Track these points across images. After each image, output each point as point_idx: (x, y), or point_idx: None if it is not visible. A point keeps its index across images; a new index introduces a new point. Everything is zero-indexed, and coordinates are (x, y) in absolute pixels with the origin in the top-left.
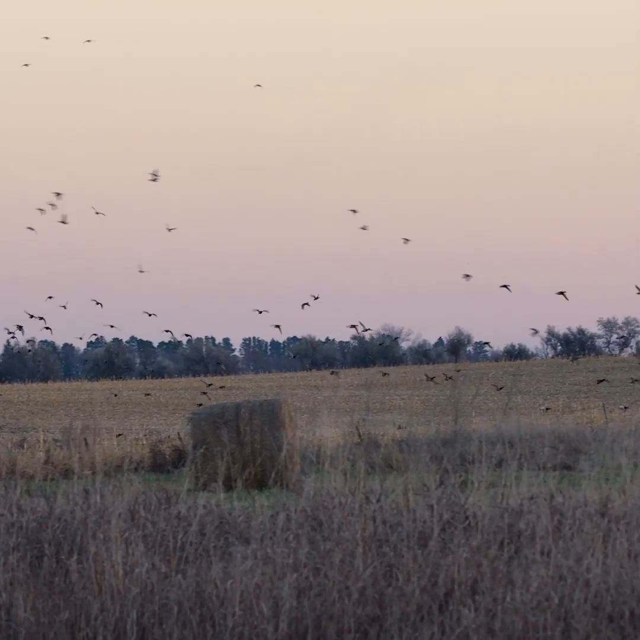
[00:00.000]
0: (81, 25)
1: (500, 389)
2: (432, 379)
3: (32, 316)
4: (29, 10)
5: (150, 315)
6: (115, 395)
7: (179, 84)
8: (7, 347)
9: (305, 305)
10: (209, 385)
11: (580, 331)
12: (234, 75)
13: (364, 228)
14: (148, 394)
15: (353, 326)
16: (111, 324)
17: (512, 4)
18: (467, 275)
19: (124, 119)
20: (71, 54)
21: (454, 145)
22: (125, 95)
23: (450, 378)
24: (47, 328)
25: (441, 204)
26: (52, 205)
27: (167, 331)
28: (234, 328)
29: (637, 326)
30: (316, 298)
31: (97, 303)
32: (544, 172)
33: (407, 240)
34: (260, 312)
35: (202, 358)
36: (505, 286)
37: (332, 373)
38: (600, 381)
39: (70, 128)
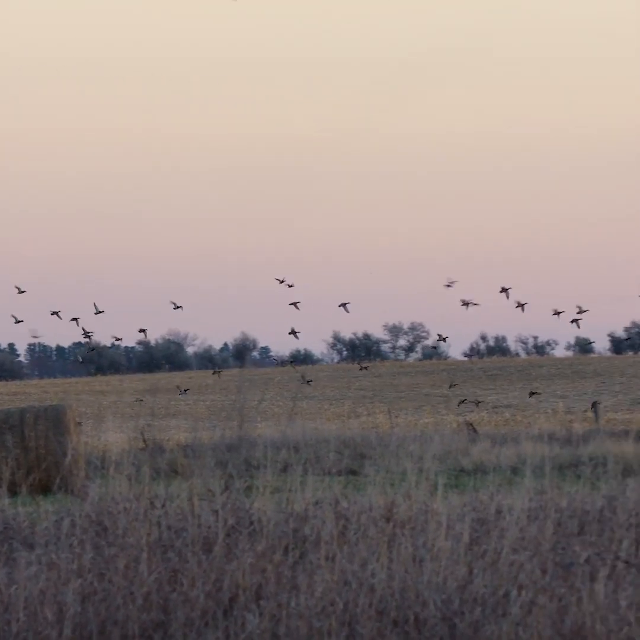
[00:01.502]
0: (81, 24)
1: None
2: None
3: None
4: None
5: None
6: None
7: (177, 85)
8: None
9: (99, 313)
10: None
11: (366, 336)
12: (233, 75)
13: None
14: None
15: (142, 331)
16: None
17: (512, 4)
18: (449, 284)
19: (120, 121)
20: (71, 55)
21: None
22: (122, 96)
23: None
24: None
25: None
26: None
27: None
28: (19, 333)
29: (423, 331)
30: (99, 312)
31: None
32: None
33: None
34: (54, 314)
35: None
36: (294, 304)
37: (214, 373)
38: (532, 394)
39: (69, 128)
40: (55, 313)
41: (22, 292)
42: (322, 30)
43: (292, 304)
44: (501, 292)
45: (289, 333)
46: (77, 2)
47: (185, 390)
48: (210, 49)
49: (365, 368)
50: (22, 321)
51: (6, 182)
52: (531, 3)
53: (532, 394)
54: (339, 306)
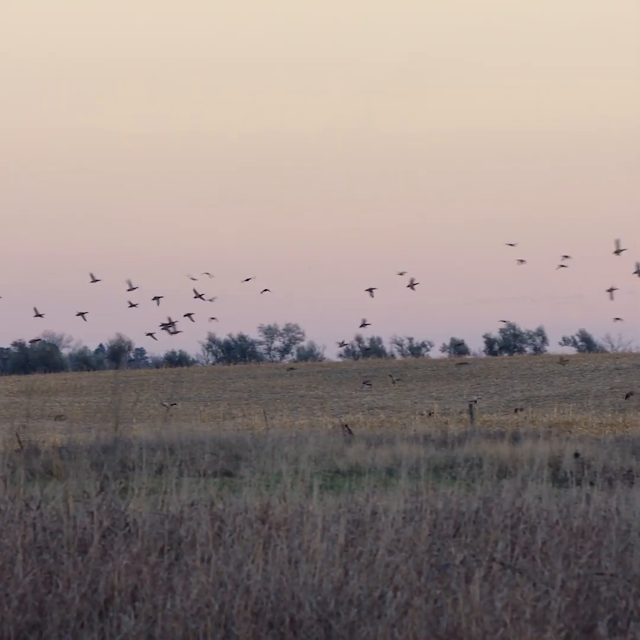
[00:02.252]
0: (80, 25)
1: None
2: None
3: None
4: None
5: None
6: None
7: (177, 85)
8: None
9: None
10: None
11: (242, 337)
12: (231, 76)
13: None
14: None
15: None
16: None
17: (511, 5)
18: (521, 261)
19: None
20: (70, 55)
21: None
22: (120, 97)
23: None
24: None
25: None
26: None
27: None
28: None
29: (298, 333)
30: None
31: None
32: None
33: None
34: None
35: None
36: (170, 323)
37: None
38: (628, 395)
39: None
40: None
41: None
42: (322, 31)
43: (155, 298)
44: (367, 290)
45: (161, 327)
46: (77, 2)
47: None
48: (211, 50)
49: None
50: None
51: None
52: (530, 4)
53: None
54: (210, 320)
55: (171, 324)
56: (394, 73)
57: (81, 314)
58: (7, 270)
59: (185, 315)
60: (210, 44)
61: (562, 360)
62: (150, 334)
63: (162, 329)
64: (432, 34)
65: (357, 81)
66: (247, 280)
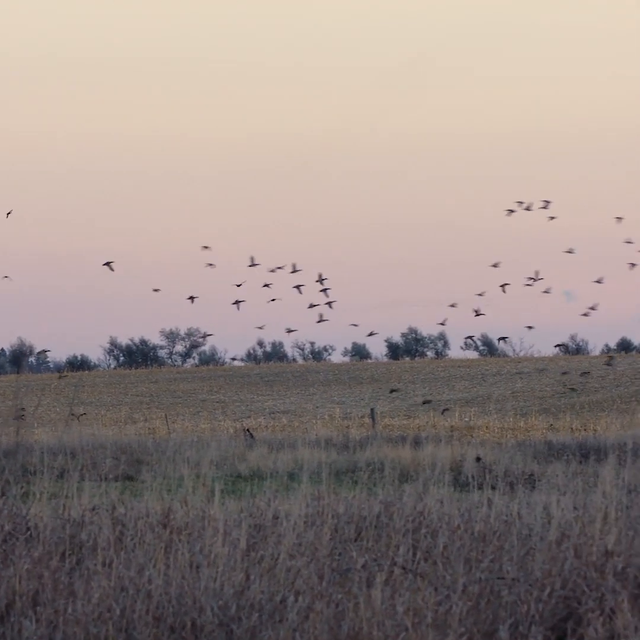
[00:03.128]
0: (80, 25)
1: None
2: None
3: None
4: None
5: None
6: None
7: (172, 87)
8: None
9: None
10: None
11: (143, 342)
12: (231, 78)
13: None
14: None
15: None
16: None
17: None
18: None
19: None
20: (69, 55)
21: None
22: (118, 98)
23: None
24: None
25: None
26: None
27: None
28: None
29: (200, 337)
30: None
31: None
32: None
33: None
34: None
35: None
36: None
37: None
38: (572, 389)
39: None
40: None
41: None
42: (323, 33)
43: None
44: (234, 303)
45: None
46: (76, 3)
47: None
48: (211, 51)
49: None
50: None
51: None
52: (530, 4)
53: (393, 391)
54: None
55: None
56: (392, 75)
57: None
58: None
59: None
60: (209, 45)
61: (608, 360)
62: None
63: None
64: (429, 37)
65: (357, 82)
66: (156, 291)
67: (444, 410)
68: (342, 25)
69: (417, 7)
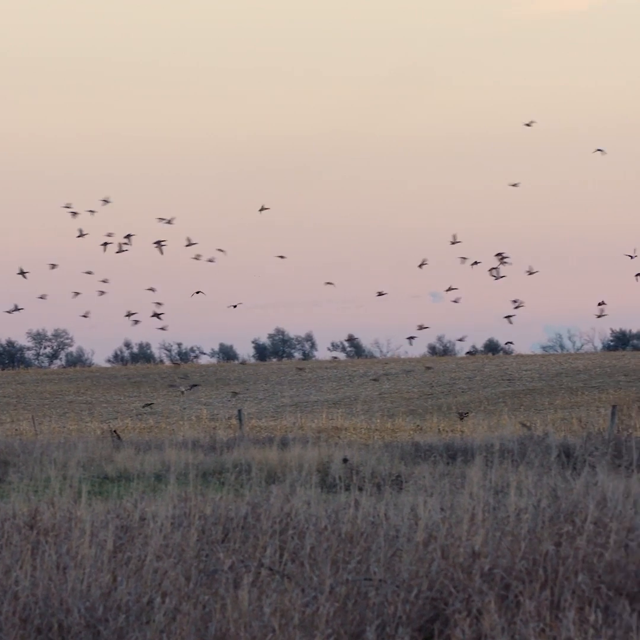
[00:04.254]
0: (79, 24)
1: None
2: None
3: None
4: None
5: None
6: None
7: (171, 90)
8: None
9: None
10: None
11: (10, 343)
12: (231, 78)
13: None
14: None
15: None
16: None
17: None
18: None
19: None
20: (71, 54)
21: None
22: (118, 97)
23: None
24: None
25: None
26: None
27: None
28: None
29: (67, 338)
30: None
31: None
32: None
33: None
34: None
35: None
36: None
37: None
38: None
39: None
40: None
41: None
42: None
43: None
44: (148, 290)
45: None
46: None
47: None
48: (210, 53)
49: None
50: None
51: None
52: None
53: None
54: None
55: None
56: (395, 72)
57: None
58: None
59: None
60: (208, 48)
61: (299, 368)
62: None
63: None
64: (424, 42)
65: (355, 84)
66: (16, 310)
67: (462, 414)
68: (338, 32)
69: (414, 16)
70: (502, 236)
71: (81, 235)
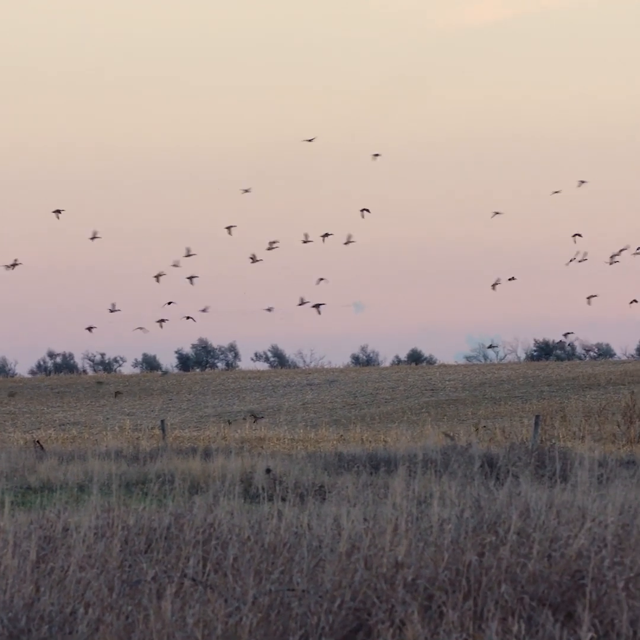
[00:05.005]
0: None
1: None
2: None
3: None
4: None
5: None
6: None
7: (170, 93)
8: None
9: None
10: None
11: None
12: (230, 79)
13: None
14: None
15: None
16: None
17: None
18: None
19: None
20: (70, 54)
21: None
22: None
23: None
24: None
25: None
26: None
27: None
28: None
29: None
30: None
31: None
32: None
33: None
34: None
35: None
36: None
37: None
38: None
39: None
40: None
41: None
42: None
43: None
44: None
45: None
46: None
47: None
48: (210, 55)
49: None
50: None
51: None
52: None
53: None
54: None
55: None
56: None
57: None
58: None
59: None
60: (204, 52)
61: (117, 393)
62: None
63: None
64: (432, 36)
65: (356, 84)
66: None
67: (256, 416)
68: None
69: (398, 31)
70: (423, 248)
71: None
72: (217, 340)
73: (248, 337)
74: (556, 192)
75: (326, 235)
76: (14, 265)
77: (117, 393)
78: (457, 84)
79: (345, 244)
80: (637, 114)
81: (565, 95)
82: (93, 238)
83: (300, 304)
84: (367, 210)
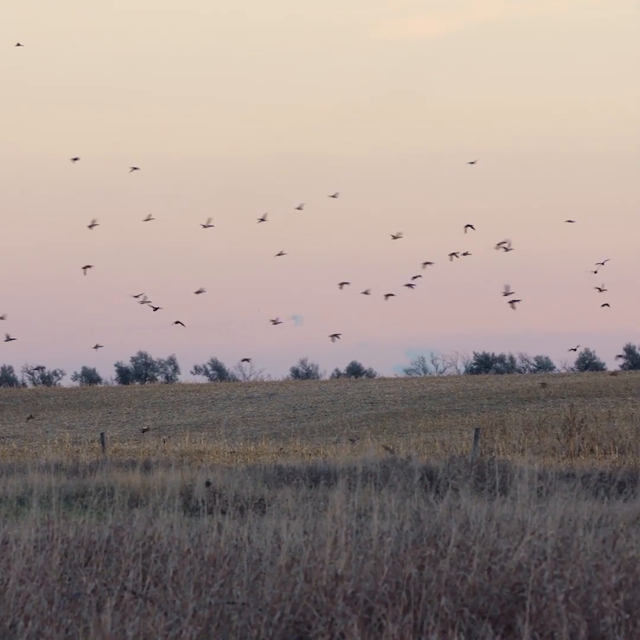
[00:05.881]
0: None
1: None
2: None
3: None
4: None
5: None
6: None
7: (169, 97)
8: None
9: None
10: None
11: None
12: (230, 79)
13: None
14: None
15: None
16: None
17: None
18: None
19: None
20: (71, 52)
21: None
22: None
23: None
24: None
25: None
26: None
27: None
28: None
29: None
30: None
31: None
32: None
33: None
34: None
35: None
36: None
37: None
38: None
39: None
40: None
41: None
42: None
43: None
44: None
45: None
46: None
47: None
48: (210, 58)
49: None
50: None
51: None
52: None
53: (29, 418)
54: None
55: None
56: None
57: None
58: None
59: None
60: (202, 56)
61: (29, 417)
62: None
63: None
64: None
65: (355, 85)
66: None
67: (144, 429)
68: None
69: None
70: (365, 260)
71: None
72: (157, 354)
73: (187, 350)
74: (468, 226)
75: (280, 254)
76: None
77: (29, 417)
78: (450, 94)
79: (277, 255)
80: (634, 121)
81: (558, 105)
82: (91, 226)
83: (274, 323)
84: (471, 227)
